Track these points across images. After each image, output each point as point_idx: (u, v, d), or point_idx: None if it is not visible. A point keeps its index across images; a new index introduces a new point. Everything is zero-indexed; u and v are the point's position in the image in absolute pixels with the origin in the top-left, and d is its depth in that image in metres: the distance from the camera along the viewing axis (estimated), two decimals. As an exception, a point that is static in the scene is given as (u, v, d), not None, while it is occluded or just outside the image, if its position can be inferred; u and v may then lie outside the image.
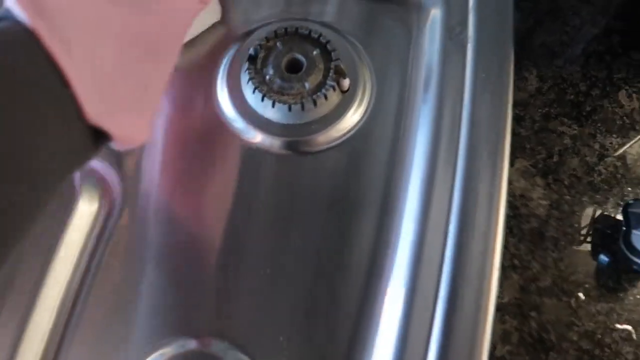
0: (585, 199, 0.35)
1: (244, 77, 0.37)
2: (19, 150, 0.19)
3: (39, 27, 0.20)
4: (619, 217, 0.33)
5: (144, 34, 0.24)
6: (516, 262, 0.33)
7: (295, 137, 0.37)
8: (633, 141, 0.36)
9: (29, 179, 0.20)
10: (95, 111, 0.21)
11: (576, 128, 0.37)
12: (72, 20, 0.21)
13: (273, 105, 0.36)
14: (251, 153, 0.37)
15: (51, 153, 0.21)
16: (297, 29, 0.38)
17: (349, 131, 0.37)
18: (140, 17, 0.23)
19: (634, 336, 0.31)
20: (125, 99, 0.24)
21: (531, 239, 0.34)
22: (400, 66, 0.40)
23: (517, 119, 0.37)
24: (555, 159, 0.36)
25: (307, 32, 0.38)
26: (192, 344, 0.31)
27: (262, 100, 0.36)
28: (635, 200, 0.33)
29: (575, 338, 0.31)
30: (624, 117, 0.37)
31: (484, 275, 0.31)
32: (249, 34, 0.40)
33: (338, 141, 0.37)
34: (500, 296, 0.32)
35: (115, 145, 0.24)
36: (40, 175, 0.20)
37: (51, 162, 0.21)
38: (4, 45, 0.20)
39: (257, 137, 0.37)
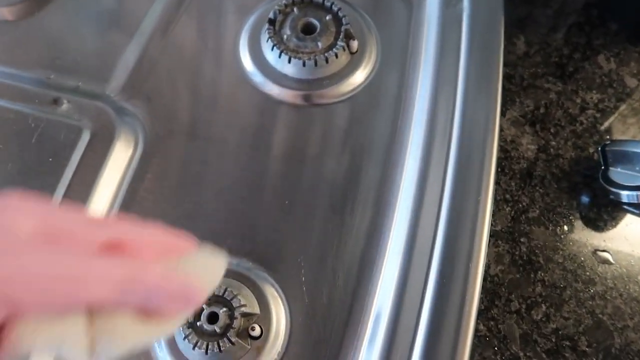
0: (569, 144, 0.39)
1: (264, 36, 0.41)
2: None
3: None
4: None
5: None
6: (508, 196, 0.37)
7: (308, 91, 0.41)
8: (611, 97, 0.41)
9: None
10: None
11: (560, 85, 0.41)
12: None
13: (289, 61, 0.40)
14: (269, 104, 0.41)
15: None
16: (311, -2, 0.42)
17: (357, 87, 0.42)
18: None
19: (611, 259, 0.35)
20: None
21: (521, 177, 0.38)
22: (403, 33, 0.44)
23: (507, 77, 0.42)
24: (542, 110, 0.40)
25: (321, 0, 0.42)
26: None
27: (280, 56, 0.40)
28: (612, 141, 0.37)
29: (560, 260, 0.35)
30: (603, 77, 0.41)
31: (479, 206, 0.35)
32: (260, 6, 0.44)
33: (347, 96, 0.41)
34: (493, 224, 0.36)
35: None
36: None
37: None
38: None
39: (274, 90, 0.41)
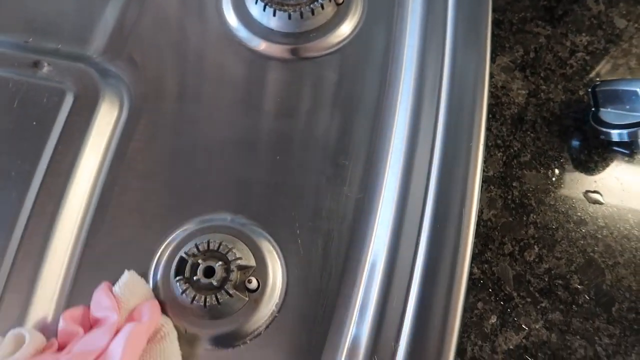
0: (559, 87, 0.39)
1: (247, -10, 0.40)
2: None
3: None
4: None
5: None
6: (499, 142, 0.37)
7: (295, 45, 0.40)
8: (600, 38, 0.40)
9: None
10: None
11: (549, 29, 0.41)
12: None
13: (274, 14, 0.39)
14: (257, 60, 0.40)
15: None
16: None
17: (344, 39, 0.41)
18: None
19: (602, 200, 0.36)
20: None
21: (512, 122, 0.38)
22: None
23: (496, 23, 0.41)
24: (532, 55, 0.40)
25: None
26: (213, 221, 0.35)
27: (264, 9, 0.39)
28: (602, 81, 0.37)
29: (552, 202, 0.35)
30: (592, 19, 0.41)
31: (471, 152, 0.35)
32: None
33: (335, 48, 0.40)
34: (485, 170, 0.36)
35: None
36: None
37: None
38: None
39: (261, 45, 0.40)
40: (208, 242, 0.33)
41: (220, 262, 0.32)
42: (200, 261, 0.32)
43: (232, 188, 0.36)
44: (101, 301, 0.31)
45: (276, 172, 0.36)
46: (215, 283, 0.32)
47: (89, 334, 0.30)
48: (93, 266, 0.34)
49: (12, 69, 0.37)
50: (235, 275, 0.32)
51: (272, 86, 0.40)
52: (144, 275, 0.33)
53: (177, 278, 0.32)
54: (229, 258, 0.32)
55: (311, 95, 0.39)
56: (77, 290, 0.33)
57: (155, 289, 0.33)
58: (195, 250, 0.33)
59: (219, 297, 0.31)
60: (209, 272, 0.32)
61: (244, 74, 0.40)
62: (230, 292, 0.32)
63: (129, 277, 0.32)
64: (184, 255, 0.32)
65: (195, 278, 0.32)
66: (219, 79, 0.40)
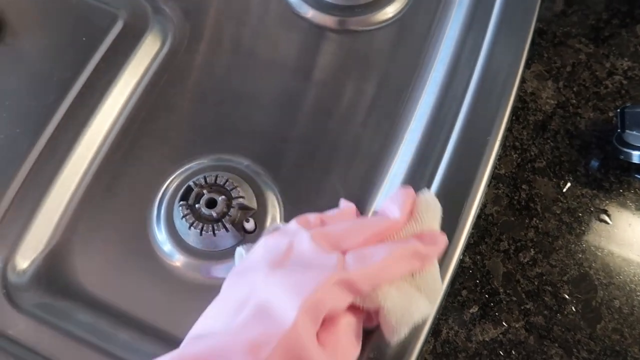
0: (589, 104, 0.39)
1: (304, -43, 0.42)
2: None
3: None
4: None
5: None
6: (517, 144, 0.37)
7: (341, 17, 0.41)
8: (642, 66, 0.40)
9: None
10: None
11: (592, 47, 0.41)
12: None
13: (326, -15, 0.41)
14: (302, 25, 0.41)
15: None
16: None
17: (388, 19, 0.42)
18: None
19: (609, 220, 0.35)
20: None
21: (534, 128, 0.38)
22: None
23: (539, 32, 0.41)
24: (569, 69, 0.40)
25: None
26: (230, 161, 0.36)
27: (317, -22, 0.41)
28: (632, 104, 0.37)
29: (558, 212, 0.35)
30: (638, 46, 0.41)
31: (487, 145, 0.35)
32: None
33: (378, 26, 0.42)
34: (497, 168, 0.37)
35: None
36: None
37: None
38: None
39: (309, 13, 0.42)
40: (216, 177, 0.34)
41: (223, 197, 0.34)
42: (205, 192, 0.34)
43: (255, 137, 0.38)
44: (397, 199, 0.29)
45: (296, 130, 0.38)
46: (215, 215, 0.33)
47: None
48: (107, 178, 0.36)
49: (75, -12, 0.40)
50: (235, 212, 0.33)
51: (309, 51, 0.41)
52: (151, 199, 0.35)
53: (181, 203, 0.33)
54: (233, 195, 0.34)
55: (344, 66, 0.41)
56: (87, 198, 0.35)
57: (158, 212, 0.35)
58: (202, 181, 0.34)
59: (215, 228, 0.33)
60: (211, 203, 0.34)
61: (286, 36, 0.41)
62: (227, 226, 0.33)
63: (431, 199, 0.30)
64: (191, 184, 0.34)
65: (197, 206, 0.33)
66: (261, 36, 0.41)
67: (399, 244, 0.26)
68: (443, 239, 0.28)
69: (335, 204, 0.36)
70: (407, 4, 0.42)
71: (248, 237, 0.34)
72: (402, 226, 0.28)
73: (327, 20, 0.42)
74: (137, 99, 0.38)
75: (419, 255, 0.26)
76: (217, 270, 0.34)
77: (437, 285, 0.27)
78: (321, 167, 0.37)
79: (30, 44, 0.38)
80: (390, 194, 0.30)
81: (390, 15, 0.42)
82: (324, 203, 0.36)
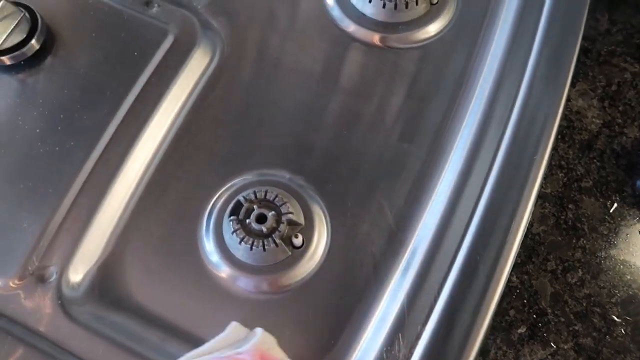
0: (635, 124, 0.38)
1: (350, -25, 0.42)
2: None
3: None
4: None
5: None
6: (563, 163, 0.37)
7: (383, 33, 0.42)
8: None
9: None
10: None
11: (637, 66, 0.40)
12: None
13: (370, 1, 0.41)
14: (343, 39, 0.42)
15: None
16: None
17: (430, 38, 0.42)
18: None
19: (660, 241, 0.35)
20: None
21: (580, 147, 0.38)
22: (485, -6, 0.44)
23: (584, 51, 0.41)
24: (614, 88, 0.40)
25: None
26: (273, 176, 0.37)
27: (362, -5, 0.41)
28: (682, 125, 0.37)
29: (605, 232, 0.35)
30: (684, 65, 0.41)
31: (533, 164, 0.35)
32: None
33: (419, 44, 0.42)
34: (544, 186, 0.37)
35: None
36: None
37: None
38: None
39: (350, 27, 0.42)
40: (265, 192, 0.35)
41: (273, 212, 0.34)
42: (255, 207, 0.34)
43: (296, 150, 0.38)
44: None
45: (339, 144, 0.38)
46: (265, 230, 0.34)
47: None
48: (157, 191, 0.36)
49: (126, 2, 0.41)
50: (284, 228, 0.34)
51: (352, 66, 0.41)
52: (200, 213, 0.36)
53: (231, 217, 0.34)
54: (282, 211, 0.34)
55: (386, 82, 0.41)
56: (138, 210, 0.36)
57: (207, 225, 0.35)
58: (252, 196, 0.35)
59: (265, 243, 0.33)
60: (262, 219, 0.34)
61: (328, 50, 0.42)
62: (277, 241, 0.33)
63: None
64: (241, 199, 0.35)
65: (247, 221, 0.34)
66: (304, 49, 0.42)
67: None
68: None
69: (380, 221, 0.37)
70: (450, 21, 0.42)
71: (296, 252, 0.34)
72: None
73: (369, 35, 0.42)
74: (186, 113, 0.39)
75: None
76: (265, 284, 0.34)
77: None
78: (366, 182, 0.37)
79: (83, 57, 0.39)
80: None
81: (433, 33, 0.42)
82: (370, 218, 0.36)
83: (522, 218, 0.34)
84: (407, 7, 0.41)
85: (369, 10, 0.42)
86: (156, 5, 0.41)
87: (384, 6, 0.41)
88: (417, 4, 0.41)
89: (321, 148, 0.38)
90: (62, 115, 0.37)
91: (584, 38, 0.39)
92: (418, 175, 0.37)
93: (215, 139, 0.38)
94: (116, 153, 0.36)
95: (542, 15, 0.41)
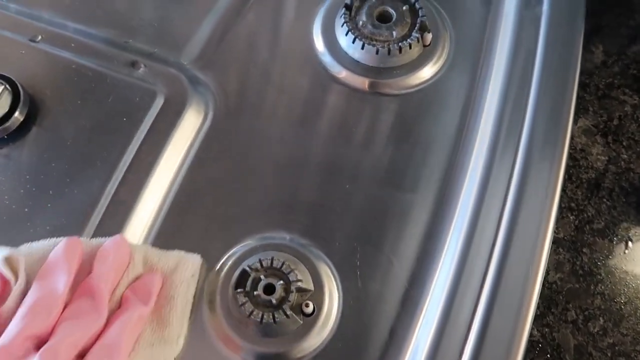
0: (641, 159, 0.38)
1: (339, 21, 0.41)
2: None
3: None
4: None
5: None
6: (573, 205, 0.37)
7: (376, 79, 0.41)
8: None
9: None
10: None
11: (637, 98, 0.40)
12: None
13: (362, 47, 0.40)
14: (335, 86, 0.41)
15: None
16: (390, -15, 0.42)
17: (425, 81, 0.41)
18: None
19: (678, 281, 0.34)
20: None
21: (588, 187, 0.37)
22: (477, 32, 0.44)
23: (582, 86, 0.41)
24: (616, 122, 0.39)
25: (399, -12, 0.42)
26: (273, 239, 0.35)
27: (353, 42, 0.40)
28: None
29: (622, 275, 0.34)
30: (682, 94, 0.40)
31: (544, 210, 0.35)
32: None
33: (415, 89, 0.41)
34: (556, 232, 0.36)
35: None
36: None
37: None
38: None
39: (342, 73, 0.41)
40: (272, 260, 0.33)
41: (281, 281, 0.32)
42: (262, 277, 0.33)
43: (296, 207, 0.37)
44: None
45: (343, 199, 0.37)
46: (274, 301, 0.32)
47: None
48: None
49: (111, 65, 0.39)
50: (293, 297, 0.32)
51: (347, 115, 0.40)
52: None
53: (238, 290, 0.32)
54: (290, 279, 0.33)
55: (384, 129, 0.40)
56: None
57: (212, 297, 0.33)
58: (258, 265, 0.33)
59: (276, 316, 0.32)
60: (270, 289, 0.32)
61: (321, 99, 0.41)
62: (288, 313, 0.32)
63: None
64: (247, 269, 0.33)
65: (255, 293, 0.32)
66: (296, 99, 0.41)
67: (125, 320, 0.28)
68: (152, 280, 0.30)
69: (392, 278, 0.35)
70: (445, 63, 0.42)
71: (307, 320, 0.33)
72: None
73: (361, 82, 0.41)
74: (181, 178, 0.37)
75: (141, 318, 0.29)
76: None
77: (169, 325, 0.30)
78: (373, 238, 0.36)
79: (69, 127, 0.37)
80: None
81: (428, 77, 0.41)
82: (380, 276, 0.35)
83: (539, 267, 0.33)
84: (400, 52, 0.40)
85: (361, 56, 0.41)
86: (142, 65, 0.40)
87: (377, 52, 0.40)
88: (410, 47, 0.40)
89: (324, 204, 0.37)
90: (51, 192, 0.35)
91: (580, 72, 0.39)
92: (426, 227, 0.36)
93: (212, 202, 0.37)
94: (111, 227, 0.34)
95: (537, 51, 0.41)
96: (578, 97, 0.39)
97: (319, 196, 0.37)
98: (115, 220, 0.35)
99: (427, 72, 0.41)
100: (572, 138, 0.39)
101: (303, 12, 0.44)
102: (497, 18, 0.44)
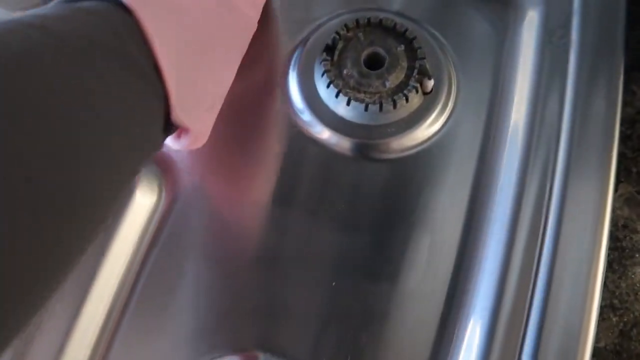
0: (701, 236, 0.30)
1: (319, 69, 0.34)
2: (102, 127, 0.17)
3: (137, 9, 0.18)
4: None
5: (222, 29, 0.24)
6: (616, 302, 0.29)
7: (366, 140, 0.33)
8: None
9: (107, 162, 0.18)
10: (181, 106, 0.20)
11: (692, 154, 0.32)
12: (163, 6, 0.20)
13: (348, 103, 0.33)
14: (317, 151, 0.34)
15: (131, 141, 0.18)
16: (381, 20, 0.34)
17: (428, 139, 0.34)
18: (219, 10, 0.24)
19: None
20: (203, 94, 0.24)
21: (634, 276, 0.29)
22: (491, 69, 0.36)
23: (622, 139, 0.33)
24: (667, 187, 0.31)
25: (392, 24, 0.34)
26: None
27: (337, 96, 0.33)
28: None
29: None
30: None
31: (580, 316, 0.27)
32: (320, 25, 0.37)
33: (415, 150, 0.34)
34: (596, 340, 0.28)
35: (180, 144, 0.24)
36: (118, 162, 0.18)
37: (129, 151, 0.19)
38: (100, 23, 0.18)
39: (324, 134, 0.34)
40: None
41: None
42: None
43: (266, 317, 0.30)
44: None
45: (334, 306, 0.30)
46: None
47: None
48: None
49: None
50: None
51: (330, 185, 0.33)
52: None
53: None
54: None
55: (376, 203, 0.33)
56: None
57: None
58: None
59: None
60: None
61: (298, 167, 0.34)
62: None
63: None
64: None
65: None
66: (270, 169, 0.34)
67: None
68: None
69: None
70: (450, 116, 0.34)
71: None
72: None
73: (349, 144, 0.34)
74: (133, 275, 0.31)
75: None
76: None
77: None
78: (365, 343, 0.29)
79: None
80: None
81: (431, 133, 0.34)
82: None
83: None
84: (395, 107, 0.33)
85: (346, 112, 0.33)
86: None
87: (366, 109, 0.33)
88: (407, 100, 0.33)
89: (307, 311, 0.30)
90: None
91: (620, 121, 0.31)
92: (435, 337, 0.29)
93: (171, 302, 0.30)
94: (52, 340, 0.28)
95: (565, 95, 0.33)
96: (618, 156, 0.31)
97: (299, 300, 0.30)
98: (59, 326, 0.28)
99: (428, 127, 0.34)
100: (612, 211, 0.31)
101: (275, 57, 0.36)
102: (514, 53, 0.35)
